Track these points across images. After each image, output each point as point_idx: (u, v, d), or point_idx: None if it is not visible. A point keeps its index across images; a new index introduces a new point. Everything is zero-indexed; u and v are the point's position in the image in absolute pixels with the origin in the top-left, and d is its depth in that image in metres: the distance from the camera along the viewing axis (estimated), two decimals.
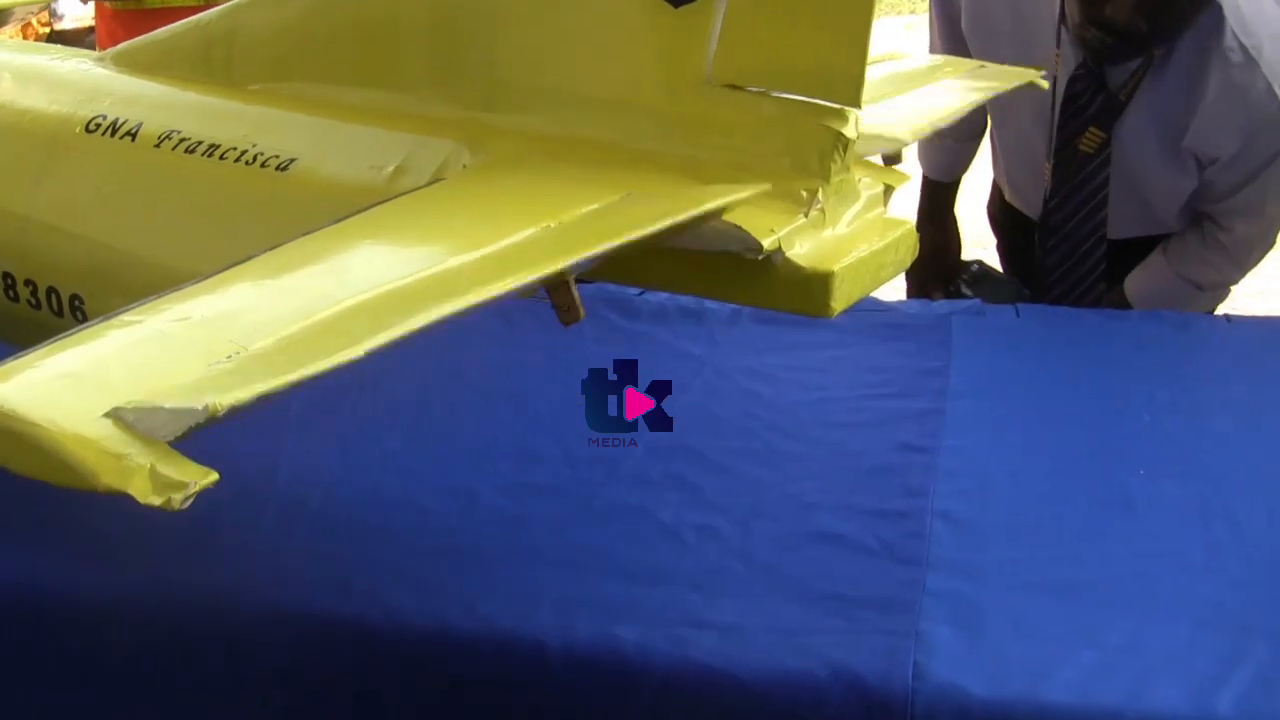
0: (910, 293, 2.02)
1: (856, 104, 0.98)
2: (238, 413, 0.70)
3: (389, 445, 1.40)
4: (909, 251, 1.05)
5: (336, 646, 1.18)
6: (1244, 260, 1.82)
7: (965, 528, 1.26)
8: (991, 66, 1.43)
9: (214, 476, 0.67)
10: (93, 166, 1.18)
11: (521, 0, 1.08)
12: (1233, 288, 1.88)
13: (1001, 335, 1.54)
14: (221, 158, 1.14)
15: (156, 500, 0.66)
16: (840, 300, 0.97)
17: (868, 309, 1.59)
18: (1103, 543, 1.25)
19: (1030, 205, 1.88)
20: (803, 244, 0.97)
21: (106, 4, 2.65)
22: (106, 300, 1.01)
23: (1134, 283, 1.85)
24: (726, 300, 1.27)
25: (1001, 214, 2.03)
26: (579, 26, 1.06)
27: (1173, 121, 1.68)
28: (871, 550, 1.24)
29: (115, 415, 0.69)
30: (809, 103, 0.98)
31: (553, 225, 0.91)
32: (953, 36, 1.85)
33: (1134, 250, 1.84)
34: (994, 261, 2.05)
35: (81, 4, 4.18)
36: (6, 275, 1.21)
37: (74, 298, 1.17)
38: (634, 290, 1.62)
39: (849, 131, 0.98)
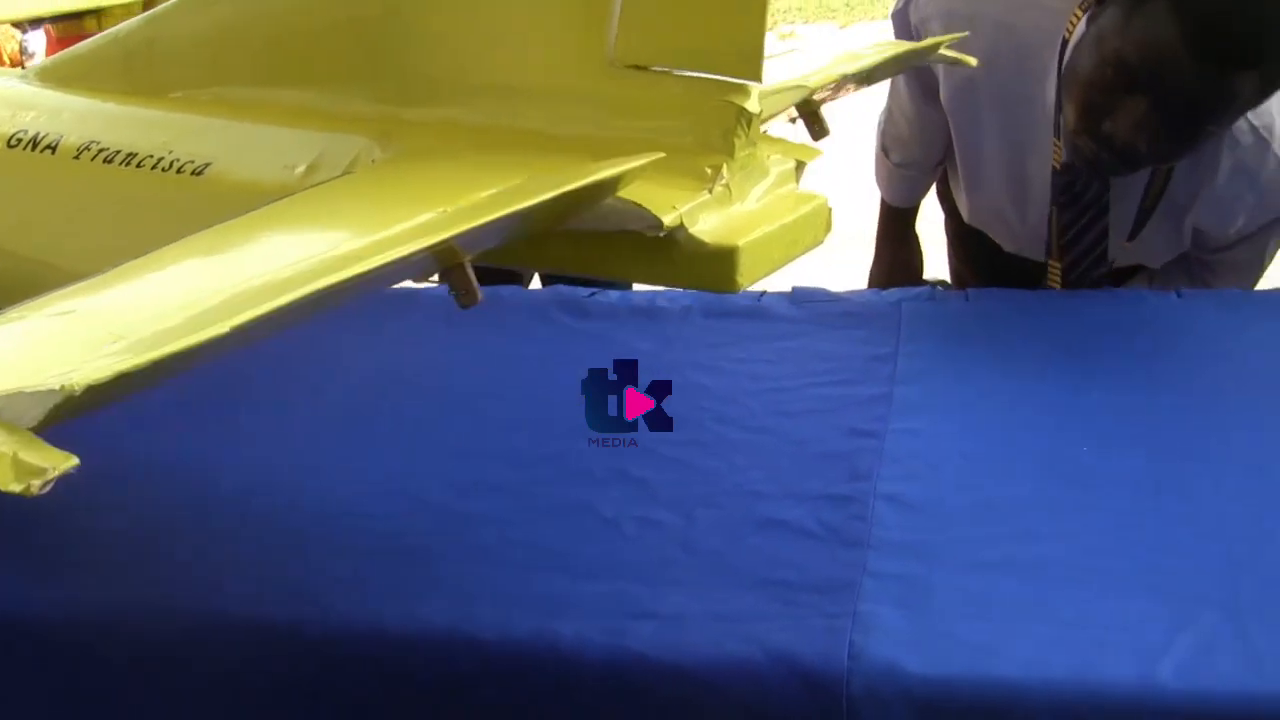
0: None
1: (758, 78, 0.97)
2: (102, 395, 0.69)
3: (333, 453, 1.39)
4: (823, 227, 1.04)
5: (270, 651, 1.17)
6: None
7: (911, 509, 1.25)
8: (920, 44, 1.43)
9: (74, 461, 0.66)
10: (14, 181, 1.19)
11: None
12: None
13: (951, 319, 1.53)
14: (139, 166, 1.14)
15: (16, 487, 0.65)
16: (746, 276, 0.96)
17: (819, 299, 1.58)
18: (1054, 519, 1.23)
19: (1000, 239, 1.83)
20: (707, 220, 0.96)
21: (52, 29, 2.69)
22: None
23: None
24: (633, 280, 1.26)
25: (960, 226, 1.95)
26: (486, 17, 1.07)
27: (1177, 208, 1.63)
28: (815, 535, 1.22)
29: None
30: (711, 79, 0.98)
31: (449, 210, 0.91)
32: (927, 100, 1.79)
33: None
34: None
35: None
36: None
37: None
38: (585, 291, 1.61)
39: (751, 106, 0.97)
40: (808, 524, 1.23)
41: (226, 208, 1.03)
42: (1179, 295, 1.54)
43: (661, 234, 0.93)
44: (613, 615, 1.14)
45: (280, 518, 1.31)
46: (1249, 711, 1.03)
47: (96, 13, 3.00)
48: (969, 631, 1.11)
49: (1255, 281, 1.75)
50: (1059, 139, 1.56)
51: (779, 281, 1.63)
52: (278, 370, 1.51)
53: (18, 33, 4.52)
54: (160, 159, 1.13)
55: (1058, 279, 1.66)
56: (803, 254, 1.02)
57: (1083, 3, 1.52)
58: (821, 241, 1.04)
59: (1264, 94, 1.43)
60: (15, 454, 0.66)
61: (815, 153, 1.09)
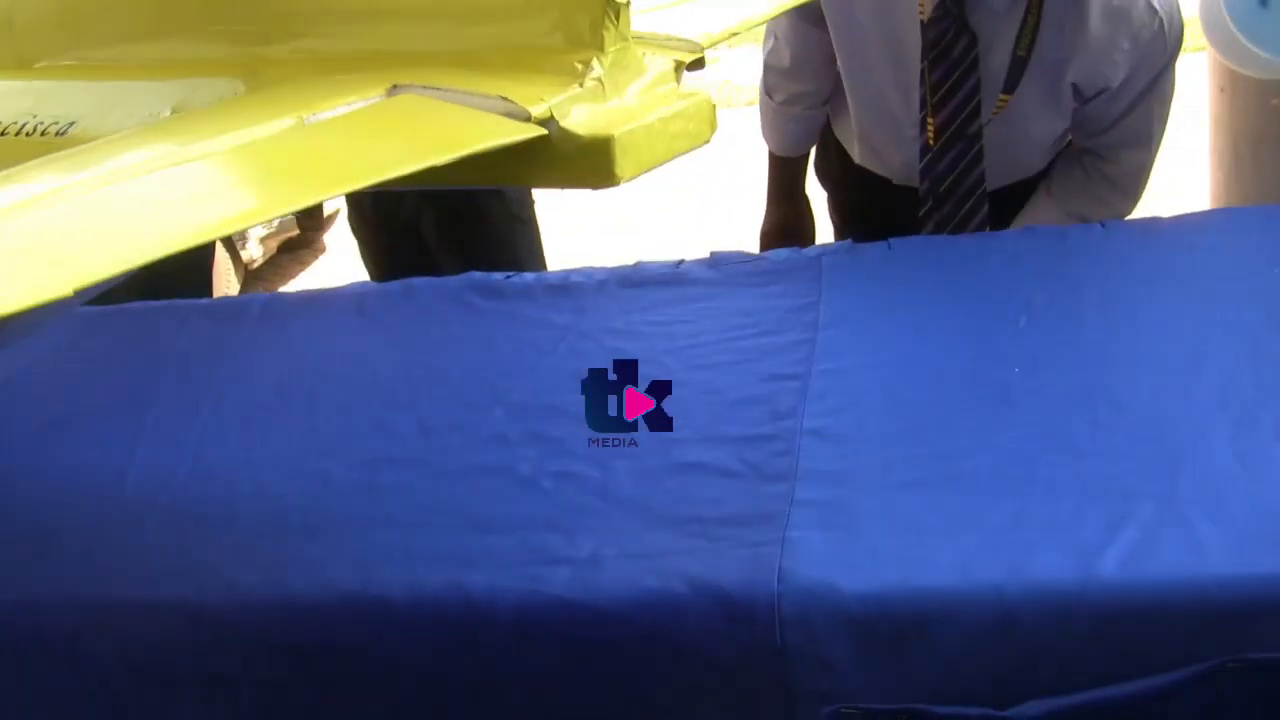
0: None
1: None
2: None
3: (243, 443, 1.34)
4: (707, 123, 0.99)
5: (178, 632, 1.11)
6: (1134, 190, 1.77)
7: (837, 441, 1.20)
8: None
9: None
10: None
11: None
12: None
13: (874, 266, 1.48)
14: (2, 134, 1.10)
15: None
16: (626, 168, 0.91)
17: (736, 261, 1.54)
18: (983, 435, 1.18)
19: (889, 167, 1.80)
20: (580, 112, 0.92)
21: None
22: None
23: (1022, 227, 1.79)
24: (513, 184, 1.22)
25: (846, 175, 1.91)
26: None
27: (1053, 62, 1.62)
28: (736, 473, 1.17)
29: None
30: None
31: (304, 114, 0.87)
32: None
33: (1004, 201, 1.78)
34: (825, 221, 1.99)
35: None
36: None
37: None
38: (500, 275, 1.56)
39: None
40: (729, 464, 1.18)
41: None
42: (1104, 227, 1.50)
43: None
44: (526, 564, 1.09)
45: (186, 508, 1.25)
46: (1196, 596, 0.98)
47: None
48: (900, 546, 1.06)
49: (1152, 158, 1.72)
50: None
51: (700, 250, 1.60)
52: (183, 374, 1.46)
53: None
54: (24, 125, 1.09)
55: (932, 136, 1.64)
56: (687, 151, 0.98)
57: None
58: (708, 140, 0.99)
59: None
60: None
61: (696, 50, 1.05)
